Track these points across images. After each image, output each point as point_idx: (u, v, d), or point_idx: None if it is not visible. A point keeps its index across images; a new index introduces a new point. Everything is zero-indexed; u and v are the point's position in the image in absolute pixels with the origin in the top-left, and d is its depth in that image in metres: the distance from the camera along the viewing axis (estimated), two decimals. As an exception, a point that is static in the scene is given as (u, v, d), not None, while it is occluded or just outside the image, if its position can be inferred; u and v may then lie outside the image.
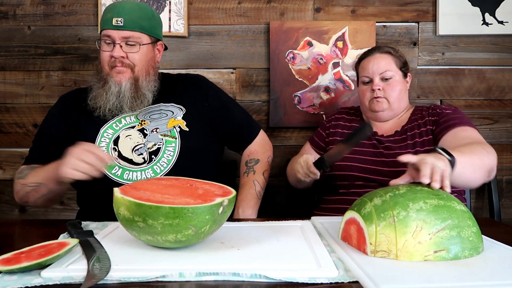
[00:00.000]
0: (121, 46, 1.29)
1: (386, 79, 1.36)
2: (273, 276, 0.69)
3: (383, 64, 1.36)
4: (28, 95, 1.88)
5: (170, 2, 1.83)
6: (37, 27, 1.87)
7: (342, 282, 0.69)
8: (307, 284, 0.68)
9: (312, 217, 1.11)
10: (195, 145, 1.33)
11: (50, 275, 0.70)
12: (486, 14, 1.83)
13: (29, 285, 0.67)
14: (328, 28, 1.85)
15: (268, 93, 1.88)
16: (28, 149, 1.92)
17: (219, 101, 1.45)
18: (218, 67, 1.88)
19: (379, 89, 1.35)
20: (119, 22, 1.27)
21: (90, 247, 0.82)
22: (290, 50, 1.85)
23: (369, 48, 1.49)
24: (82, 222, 1.06)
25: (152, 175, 1.27)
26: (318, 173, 1.22)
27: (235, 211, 1.34)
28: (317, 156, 1.29)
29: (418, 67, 1.89)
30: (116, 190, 0.85)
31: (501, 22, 1.84)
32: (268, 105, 1.88)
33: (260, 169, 1.43)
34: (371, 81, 1.38)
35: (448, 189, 0.86)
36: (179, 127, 1.33)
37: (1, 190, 1.90)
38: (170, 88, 1.43)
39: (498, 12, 1.83)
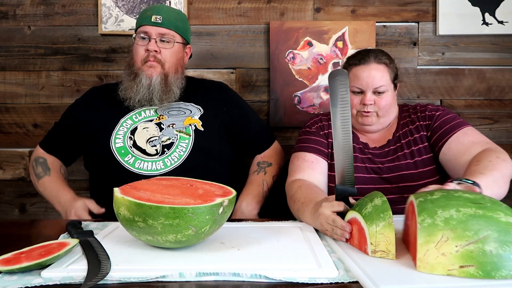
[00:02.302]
0: (156, 42, 1.37)
1: (379, 93, 1.26)
2: (273, 276, 0.69)
3: (378, 78, 1.24)
4: (28, 95, 1.88)
5: (170, 2, 1.83)
6: (37, 27, 1.87)
7: (342, 282, 0.69)
8: (307, 284, 0.68)
9: None
10: (208, 145, 1.38)
11: (50, 275, 0.70)
12: (486, 14, 1.83)
13: (29, 285, 0.67)
14: (328, 28, 1.85)
15: (268, 93, 1.88)
16: (28, 150, 1.93)
17: (238, 108, 1.50)
18: (218, 67, 1.88)
19: (371, 104, 1.25)
20: (157, 20, 1.36)
21: (90, 247, 0.83)
22: (290, 50, 1.85)
23: (361, 50, 1.35)
24: (82, 222, 1.06)
25: (162, 167, 1.31)
26: (349, 226, 0.88)
27: (237, 203, 1.36)
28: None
29: (418, 67, 1.89)
30: (116, 190, 0.85)
31: (501, 22, 1.84)
32: (268, 105, 1.88)
33: (271, 172, 1.47)
34: (362, 92, 1.27)
35: None
36: (195, 126, 1.39)
37: (1, 190, 1.90)
38: (192, 89, 1.50)
39: (498, 12, 1.83)
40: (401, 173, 1.23)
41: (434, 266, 0.70)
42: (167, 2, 1.82)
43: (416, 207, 0.76)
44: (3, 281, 0.69)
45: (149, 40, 1.37)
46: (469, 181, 0.91)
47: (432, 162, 1.23)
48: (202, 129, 1.39)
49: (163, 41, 1.38)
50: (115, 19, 1.82)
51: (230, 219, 1.09)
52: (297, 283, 0.68)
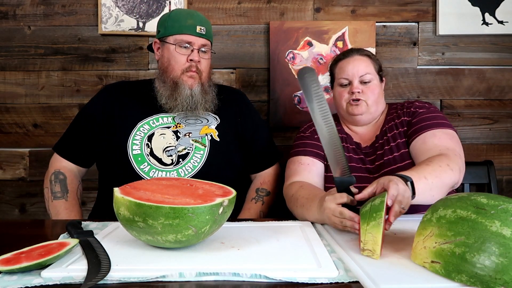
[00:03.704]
0: (198, 52, 1.38)
1: (365, 82, 1.31)
2: (273, 276, 0.69)
3: (363, 67, 1.31)
4: (28, 95, 1.88)
5: (170, 2, 1.83)
6: (37, 27, 1.87)
7: (342, 282, 0.69)
8: (307, 284, 0.68)
9: None
10: (222, 157, 1.38)
11: (50, 275, 0.70)
12: (486, 14, 1.83)
13: (29, 285, 0.67)
14: (328, 28, 1.85)
15: (268, 93, 1.88)
16: (28, 150, 1.92)
17: (251, 121, 1.50)
18: (218, 67, 1.88)
19: (358, 92, 1.30)
20: (202, 31, 1.37)
21: (90, 247, 0.83)
22: (290, 50, 1.85)
23: (345, 50, 1.42)
24: (82, 222, 1.06)
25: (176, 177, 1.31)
26: (357, 217, 0.89)
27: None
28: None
29: (418, 67, 1.89)
30: (116, 190, 0.85)
31: (501, 22, 1.84)
32: (268, 105, 1.88)
33: (268, 202, 1.44)
34: (349, 83, 1.32)
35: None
36: (211, 135, 1.39)
37: (1, 190, 1.90)
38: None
39: (498, 12, 1.83)
40: (389, 168, 1.25)
41: (417, 256, 0.75)
42: (167, 2, 1.82)
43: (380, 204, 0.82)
44: (3, 281, 0.69)
45: (192, 50, 1.37)
46: (409, 179, 0.94)
47: None
48: (218, 140, 1.39)
49: (203, 51, 1.39)
50: (115, 19, 1.82)
51: (230, 219, 1.09)
52: (297, 283, 0.68)
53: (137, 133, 1.36)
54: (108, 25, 1.83)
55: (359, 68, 1.31)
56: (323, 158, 1.31)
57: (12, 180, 1.89)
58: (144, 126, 1.38)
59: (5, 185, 1.89)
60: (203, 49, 1.39)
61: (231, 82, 1.88)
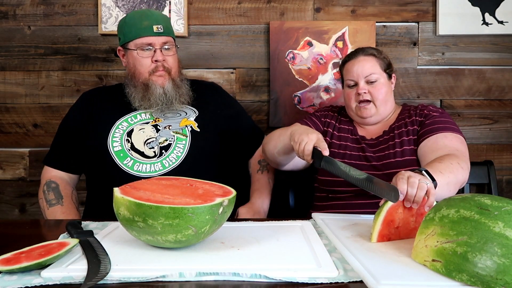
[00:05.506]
0: (161, 51, 1.38)
1: (372, 82, 1.33)
2: (273, 276, 0.69)
3: (367, 67, 1.34)
4: (28, 95, 1.88)
5: (170, 2, 1.83)
6: (37, 27, 1.87)
7: (342, 282, 0.69)
8: (307, 284, 0.68)
9: (313, 213, 1.12)
10: (205, 146, 1.39)
11: (50, 275, 0.70)
12: (486, 14, 1.83)
13: (29, 285, 0.67)
14: (328, 28, 1.84)
15: (268, 93, 1.88)
16: (28, 150, 1.92)
17: (232, 109, 1.52)
18: (218, 67, 1.88)
19: (365, 92, 1.33)
20: (159, 29, 1.37)
21: (90, 247, 0.83)
22: (290, 50, 1.85)
23: (353, 50, 1.45)
24: (82, 222, 1.06)
25: (161, 168, 1.32)
26: (310, 159, 1.06)
27: (257, 204, 1.37)
28: None
29: (418, 67, 1.88)
30: (116, 190, 0.85)
31: (501, 22, 1.83)
32: (268, 105, 1.88)
33: (272, 169, 1.49)
34: (356, 84, 1.35)
35: (428, 208, 0.89)
36: (191, 127, 1.40)
37: (1, 190, 1.90)
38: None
39: (498, 12, 1.83)
40: (388, 160, 1.28)
41: (418, 255, 0.75)
42: (167, 2, 1.82)
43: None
44: (3, 281, 0.69)
45: (154, 51, 1.37)
46: (430, 179, 0.95)
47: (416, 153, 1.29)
48: (198, 130, 1.40)
49: (166, 48, 1.39)
50: (115, 19, 1.82)
51: (231, 219, 1.09)
52: (297, 283, 0.68)
53: (116, 130, 1.38)
54: (108, 25, 1.83)
55: (363, 69, 1.34)
56: None
57: (12, 180, 1.89)
58: (122, 123, 1.39)
59: (5, 185, 1.89)
60: (166, 46, 1.39)
61: (231, 82, 1.88)
